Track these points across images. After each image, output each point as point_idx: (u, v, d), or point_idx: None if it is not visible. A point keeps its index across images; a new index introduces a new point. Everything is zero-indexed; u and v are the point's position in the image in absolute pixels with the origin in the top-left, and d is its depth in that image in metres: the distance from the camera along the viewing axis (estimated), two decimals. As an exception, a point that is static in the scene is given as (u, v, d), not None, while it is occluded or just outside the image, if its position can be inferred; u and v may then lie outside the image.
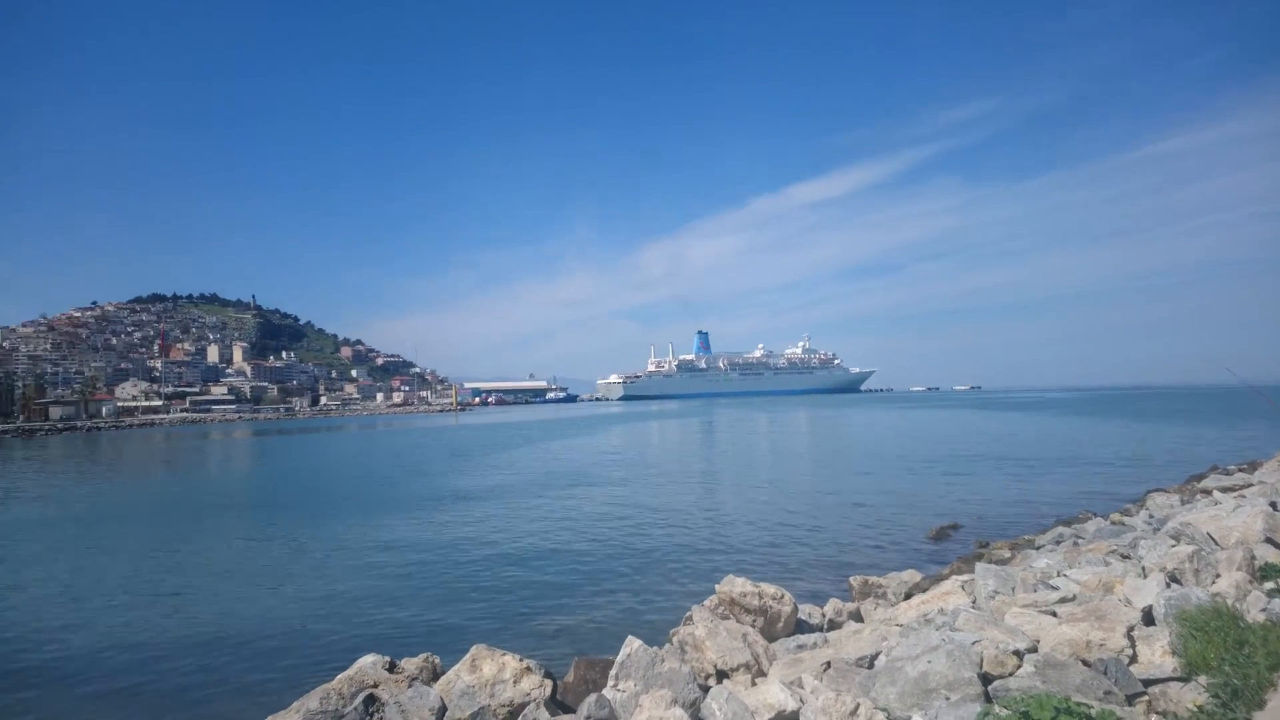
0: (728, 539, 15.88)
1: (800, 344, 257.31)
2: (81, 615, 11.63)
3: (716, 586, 8.38)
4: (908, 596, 9.43)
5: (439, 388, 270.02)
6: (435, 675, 6.50)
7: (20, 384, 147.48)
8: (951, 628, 5.91)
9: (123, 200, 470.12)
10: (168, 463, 49.79)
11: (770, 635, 7.82)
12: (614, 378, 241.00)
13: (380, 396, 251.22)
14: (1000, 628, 5.67)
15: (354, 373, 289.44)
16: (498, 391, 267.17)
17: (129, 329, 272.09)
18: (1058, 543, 12.16)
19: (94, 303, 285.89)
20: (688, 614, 7.57)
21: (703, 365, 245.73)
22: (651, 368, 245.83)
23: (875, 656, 6.04)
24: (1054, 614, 5.98)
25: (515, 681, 6.05)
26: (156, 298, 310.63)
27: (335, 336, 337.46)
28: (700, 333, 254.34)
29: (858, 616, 9.05)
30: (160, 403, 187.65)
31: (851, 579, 10.83)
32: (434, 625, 10.37)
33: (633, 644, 6.66)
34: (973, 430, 51.98)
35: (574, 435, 58.47)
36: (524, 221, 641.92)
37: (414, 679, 6.05)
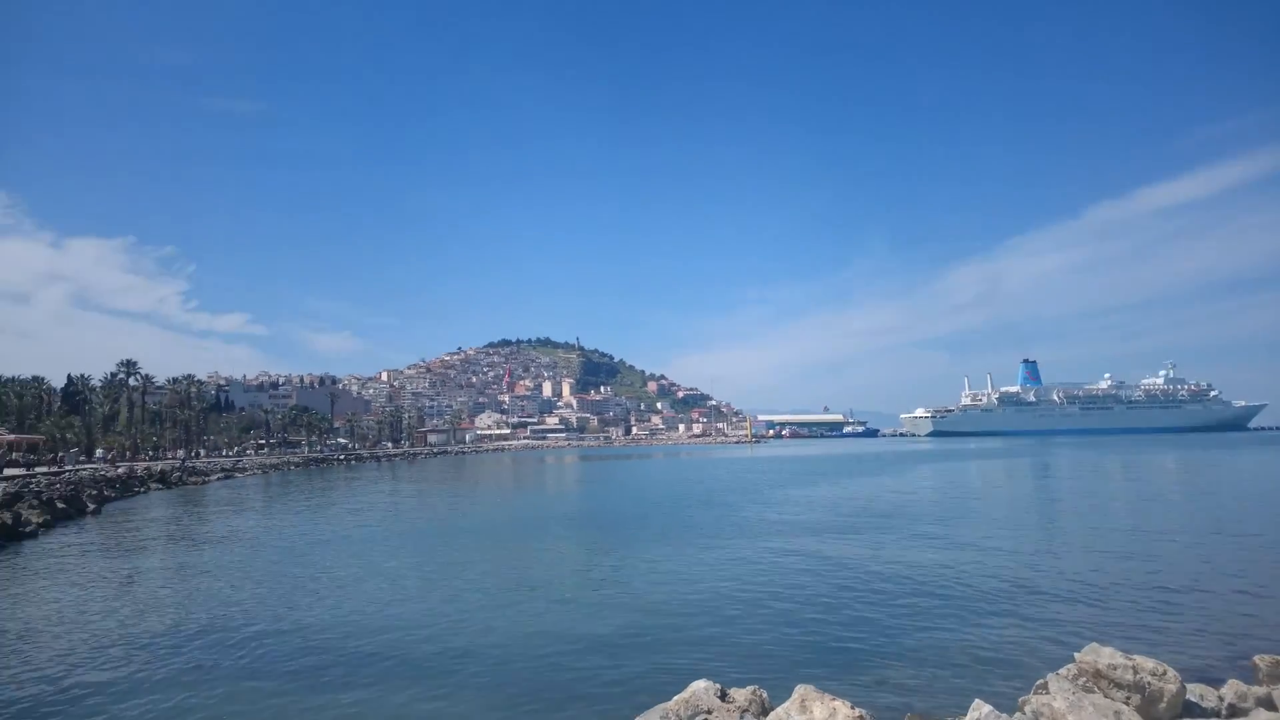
0: (1079, 598, 13.53)
1: (1162, 373, 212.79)
2: (441, 615, 13.86)
3: (1076, 655, 7.15)
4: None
5: (734, 419, 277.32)
6: (764, 710, 6.44)
7: (406, 416, 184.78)
8: None
9: (481, 263, 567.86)
10: (515, 482, 58.02)
11: (1150, 717, 6.47)
12: (921, 412, 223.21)
13: (682, 427, 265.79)
14: None
15: (659, 405, 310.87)
16: (792, 424, 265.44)
17: (484, 369, 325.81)
18: None
19: (459, 348, 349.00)
20: (1039, 681, 6.72)
21: (1031, 398, 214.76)
22: (966, 401, 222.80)
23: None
24: None
25: (847, 729, 5.73)
26: (504, 342, 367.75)
27: (643, 372, 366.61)
28: (1027, 361, 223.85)
29: (1269, 704, 7.02)
30: (508, 431, 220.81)
31: (1256, 658, 8.44)
32: (755, 656, 10.35)
33: (982, 709, 5.95)
34: None
35: (878, 472, 55.45)
36: (813, 253, 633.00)
37: (744, 710, 6.05)
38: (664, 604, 13.51)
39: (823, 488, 41.21)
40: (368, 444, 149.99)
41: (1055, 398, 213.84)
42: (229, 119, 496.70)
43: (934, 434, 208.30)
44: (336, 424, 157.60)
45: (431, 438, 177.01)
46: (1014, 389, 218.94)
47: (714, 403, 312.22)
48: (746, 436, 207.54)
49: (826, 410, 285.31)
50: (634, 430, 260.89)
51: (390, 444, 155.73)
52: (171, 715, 8.61)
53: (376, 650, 10.98)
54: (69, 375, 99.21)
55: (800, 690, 6.40)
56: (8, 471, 42.12)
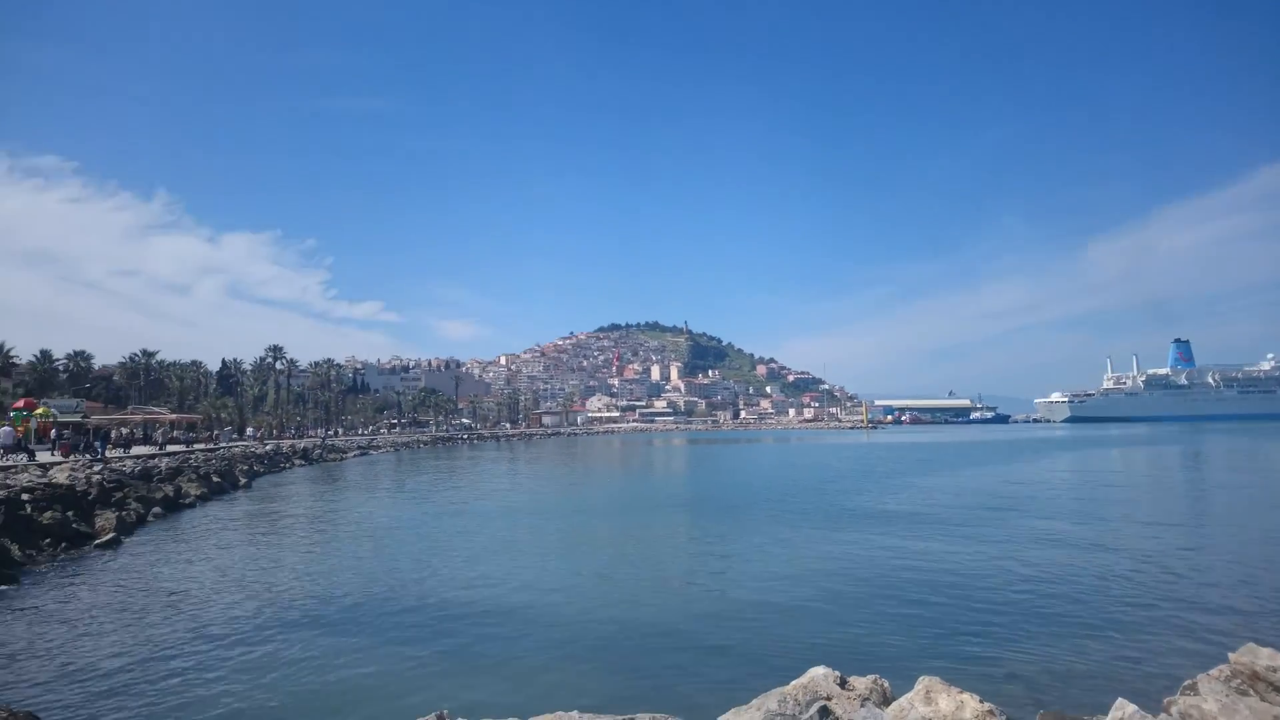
0: (1231, 598, 12.13)
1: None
2: (560, 589, 14.20)
3: (1231, 655, 6.39)
4: None
5: (849, 404, 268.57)
6: (885, 699, 6.13)
7: (523, 398, 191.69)
8: None
9: (592, 249, 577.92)
10: (625, 464, 58.93)
11: (1314, 725, 5.68)
12: (1057, 396, 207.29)
13: (792, 412, 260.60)
14: None
15: (768, 389, 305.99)
16: (913, 410, 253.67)
17: (595, 353, 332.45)
18: None
19: (571, 333, 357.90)
20: (1187, 682, 6.16)
21: (1182, 381, 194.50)
22: (1108, 384, 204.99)
23: None
24: None
25: (976, 725, 5.35)
26: (614, 326, 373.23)
27: (752, 355, 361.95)
28: (1179, 341, 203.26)
29: None
30: (617, 414, 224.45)
31: None
32: (871, 646, 9.95)
33: (1126, 708, 5.44)
34: None
35: (1008, 461, 52.10)
36: (937, 229, 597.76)
37: (865, 699, 5.77)
38: (776, 589, 13.26)
39: (946, 476, 39.18)
40: (488, 424, 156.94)
41: (1210, 380, 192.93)
42: (363, 117, 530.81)
43: (1071, 420, 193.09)
44: (460, 405, 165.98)
45: (546, 419, 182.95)
46: (1163, 371, 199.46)
47: (826, 387, 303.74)
48: (862, 422, 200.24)
49: (951, 395, 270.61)
50: (742, 414, 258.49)
51: (508, 425, 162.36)
52: (316, 672, 9.28)
53: (500, 619, 11.43)
54: (223, 359, 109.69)
55: (925, 681, 6.06)
56: (170, 448, 47.00)
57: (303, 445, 67.39)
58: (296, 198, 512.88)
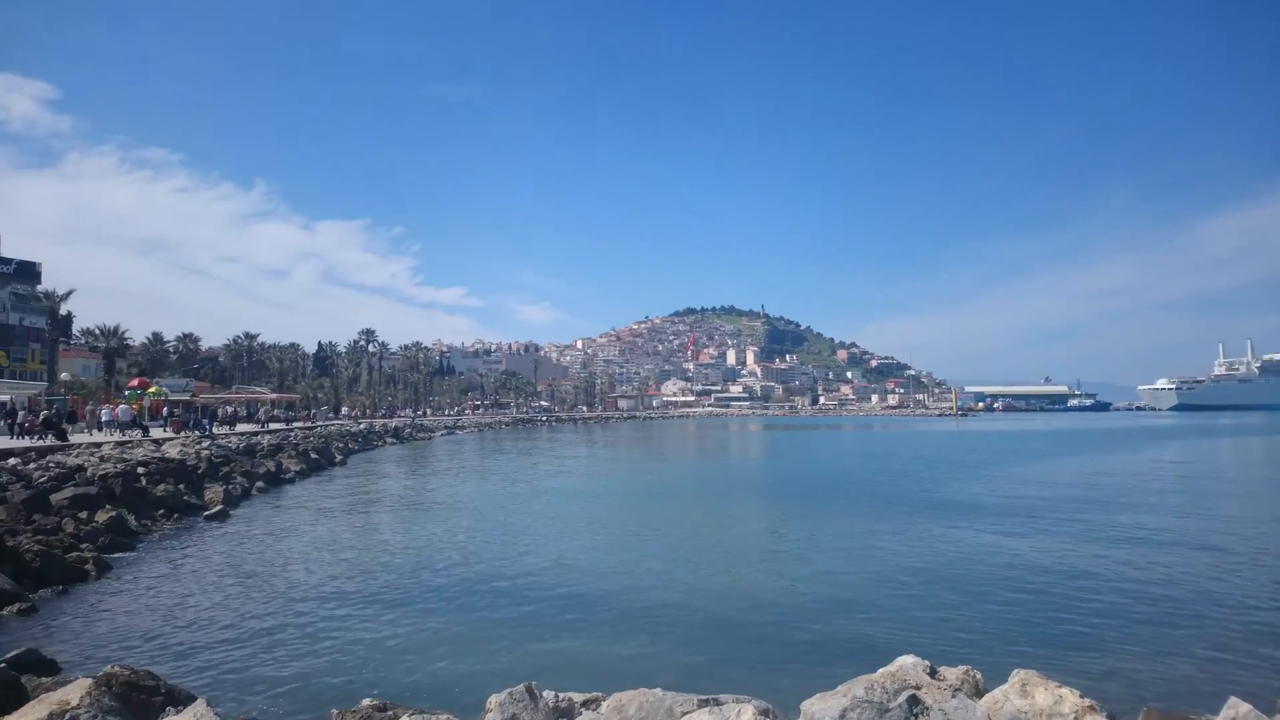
0: None
1: None
2: (642, 571, 14.25)
3: None
4: None
5: (936, 391, 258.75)
6: (978, 691, 5.86)
7: (599, 382, 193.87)
8: None
9: (668, 233, 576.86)
10: (701, 447, 58.87)
11: None
12: (1163, 383, 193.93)
13: (875, 398, 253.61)
14: None
15: (849, 374, 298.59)
16: (1005, 397, 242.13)
17: (670, 337, 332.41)
18: None
19: (646, 317, 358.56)
20: None
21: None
22: (1220, 370, 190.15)
23: None
24: None
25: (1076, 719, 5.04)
26: (689, 310, 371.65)
27: (832, 340, 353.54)
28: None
29: None
30: (692, 398, 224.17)
31: None
32: (960, 636, 9.55)
33: (1239, 707, 5.04)
34: None
35: (1109, 450, 49.11)
36: (1035, 205, 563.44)
37: (956, 689, 5.53)
38: (859, 577, 12.92)
39: (1041, 465, 37.29)
40: (565, 407, 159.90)
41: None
42: (445, 106, 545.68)
43: (1178, 408, 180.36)
44: (539, 388, 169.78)
45: (621, 403, 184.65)
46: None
47: (912, 372, 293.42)
48: (951, 409, 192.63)
49: (1047, 381, 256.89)
50: (822, 400, 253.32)
51: (585, 408, 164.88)
52: (407, 639, 9.66)
53: (582, 597, 11.57)
54: (319, 342, 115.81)
55: (1020, 674, 5.76)
56: (271, 426, 49.93)
57: (394, 424, 70.47)
58: (385, 187, 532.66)
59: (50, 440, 26.41)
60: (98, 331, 60.75)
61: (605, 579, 12.74)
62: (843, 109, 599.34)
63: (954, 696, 5.25)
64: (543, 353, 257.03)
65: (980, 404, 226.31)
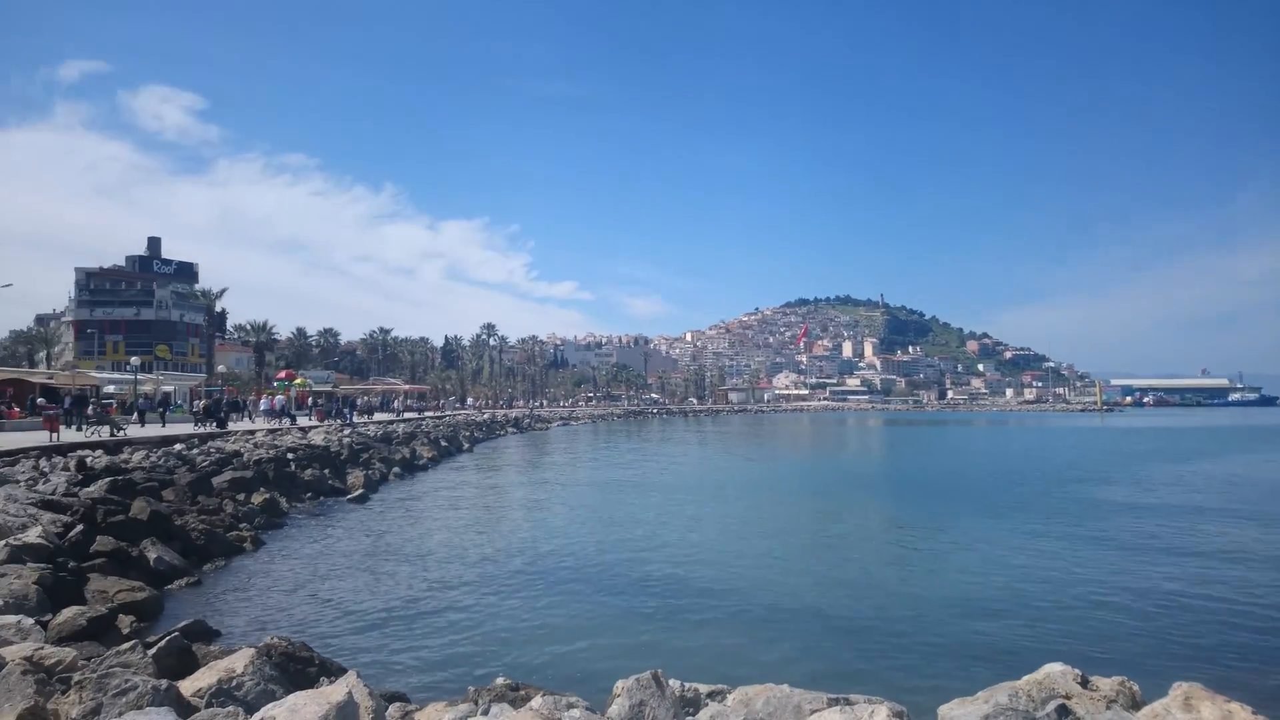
0: None
1: None
2: (766, 567, 14.09)
3: None
4: None
5: (1078, 384, 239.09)
6: (1134, 703, 5.37)
7: (709, 374, 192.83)
8: None
9: (777, 222, 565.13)
10: (818, 442, 57.44)
11: None
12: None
13: (1009, 392, 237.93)
14: None
15: (980, 367, 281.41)
16: (1156, 390, 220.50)
17: (781, 329, 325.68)
18: None
19: (757, 308, 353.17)
20: None
21: None
22: None
23: None
24: None
25: (1251, 744, 4.52)
26: (801, 301, 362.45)
27: (960, 330, 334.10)
28: None
29: None
30: (806, 392, 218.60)
31: None
32: (1116, 647, 8.77)
33: None
34: None
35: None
36: (1187, 181, 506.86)
37: (1111, 700, 5.10)
38: (996, 580, 12.15)
39: (1199, 464, 33.73)
40: (675, 399, 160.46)
41: None
42: (555, 103, 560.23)
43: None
44: (649, 380, 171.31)
45: (732, 396, 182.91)
46: None
47: (1051, 364, 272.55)
48: (1095, 404, 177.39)
49: (1205, 373, 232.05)
50: (950, 394, 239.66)
51: (695, 400, 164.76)
52: (534, 621, 10.06)
53: (706, 590, 11.53)
54: (445, 336, 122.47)
55: (1183, 686, 5.24)
56: (405, 415, 53.16)
57: (513, 415, 73.33)
58: (501, 186, 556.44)
59: (211, 427, 29.33)
60: (249, 327, 66.09)
61: (728, 573, 12.67)
62: (964, 85, 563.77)
63: (1108, 708, 4.85)
64: (652, 345, 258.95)
65: (1128, 398, 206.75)
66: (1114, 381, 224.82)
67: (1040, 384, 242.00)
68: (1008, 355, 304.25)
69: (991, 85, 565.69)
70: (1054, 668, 5.49)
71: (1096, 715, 4.75)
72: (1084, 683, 5.30)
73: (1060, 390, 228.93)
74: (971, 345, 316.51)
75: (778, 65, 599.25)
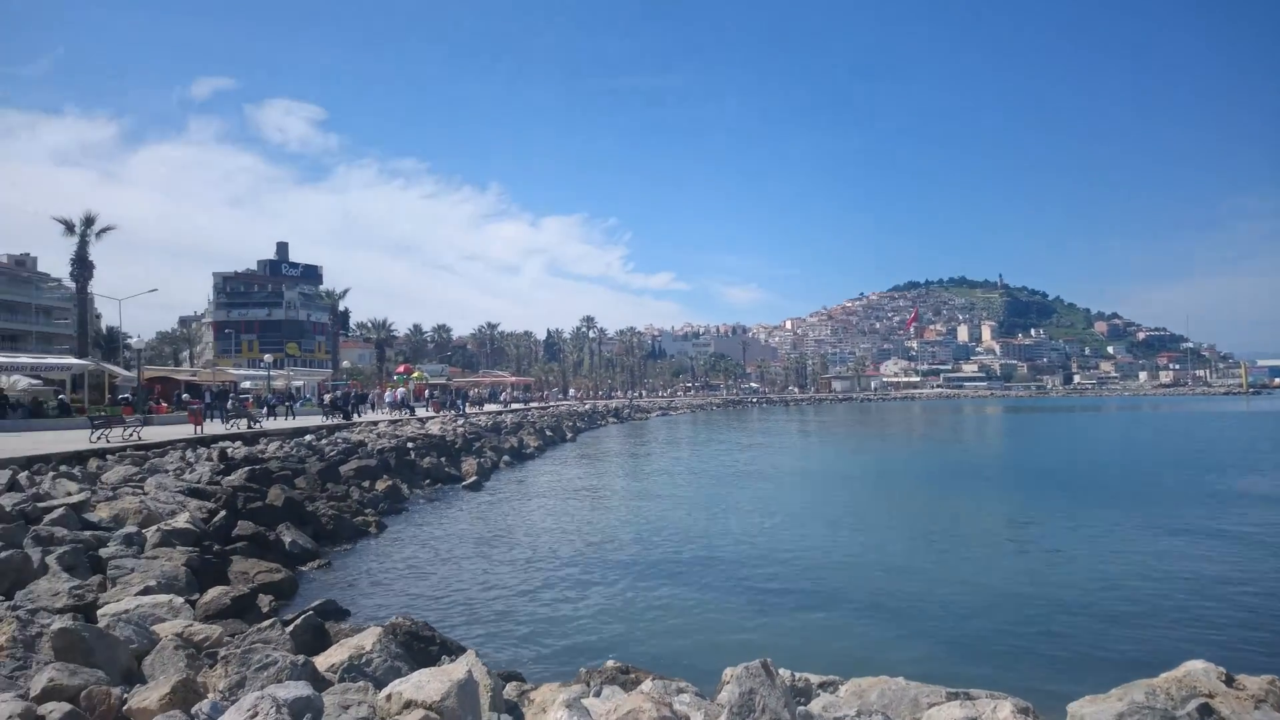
0: None
1: None
2: (875, 557, 13.76)
3: None
4: None
5: (1220, 366, 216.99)
6: (1290, 707, 4.91)
7: (810, 363, 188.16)
8: None
9: (883, 203, 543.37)
10: (932, 432, 55.08)
11: None
12: None
13: (1143, 375, 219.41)
14: None
15: (1109, 349, 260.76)
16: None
17: (889, 314, 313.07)
18: None
19: (861, 293, 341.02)
20: None
21: None
22: None
23: None
24: None
25: None
26: (911, 284, 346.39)
27: (1087, 311, 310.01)
28: None
29: None
30: (918, 379, 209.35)
31: None
32: (1264, 647, 8.04)
33: None
34: None
35: None
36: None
37: (1260, 700, 4.67)
38: (1128, 575, 11.36)
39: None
40: (775, 388, 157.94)
41: None
42: (649, 95, 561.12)
43: None
44: (748, 370, 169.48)
45: (836, 384, 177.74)
46: None
47: (1189, 345, 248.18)
48: (1239, 386, 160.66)
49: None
50: (1076, 378, 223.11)
51: (796, 389, 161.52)
52: (640, 607, 10.32)
53: (817, 581, 11.37)
54: (547, 330, 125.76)
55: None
56: (513, 406, 55.08)
57: (614, 405, 74.48)
58: (597, 181, 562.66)
59: (338, 419, 31.45)
60: (369, 324, 70.49)
61: (839, 563, 12.48)
62: (1088, 41, 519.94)
63: (1257, 708, 4.44)
64: (750, 334, 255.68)
65: (1277, 380, 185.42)
66: (1261, 362, 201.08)
67: (1177, 366, 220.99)
68: (1140, 336, 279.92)
69: (1125, 57, 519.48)
70: (1195, 665, 5.09)
71: (1244, 715, 4.36)
72: (1229, 681, 4.88)
73: (1200, 372, 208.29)
74: (1100, 326, 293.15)
75: (873, 37, 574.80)
